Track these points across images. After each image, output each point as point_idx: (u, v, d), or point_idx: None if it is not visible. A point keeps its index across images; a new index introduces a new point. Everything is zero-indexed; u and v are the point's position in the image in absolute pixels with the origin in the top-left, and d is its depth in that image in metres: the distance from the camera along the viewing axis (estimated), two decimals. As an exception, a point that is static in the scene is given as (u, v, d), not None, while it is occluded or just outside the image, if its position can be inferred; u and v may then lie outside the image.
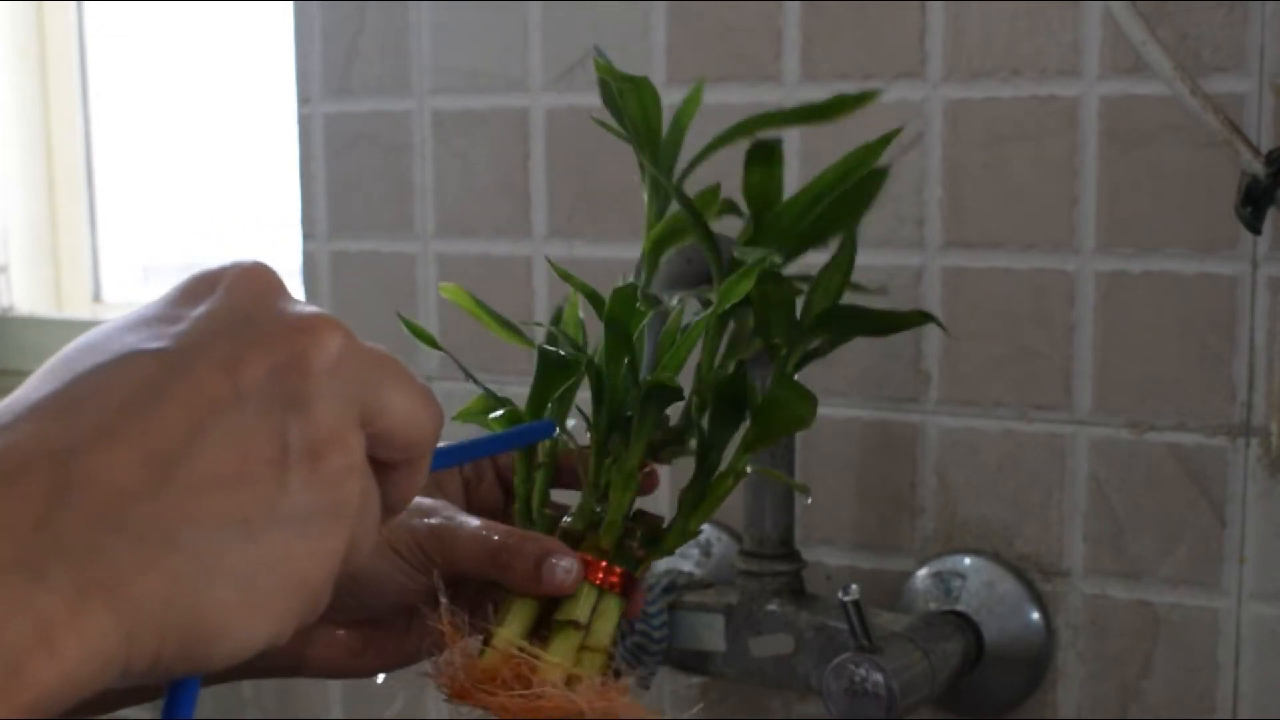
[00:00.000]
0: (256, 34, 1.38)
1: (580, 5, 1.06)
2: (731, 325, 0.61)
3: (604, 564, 0.58)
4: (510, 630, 0.58)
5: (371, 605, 0.62)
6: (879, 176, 0.60)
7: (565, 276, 0.63)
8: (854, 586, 0.87)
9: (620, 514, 0.58)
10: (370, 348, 0.41)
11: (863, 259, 0.98)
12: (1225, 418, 0.91)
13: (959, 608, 0.96)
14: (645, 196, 0.63)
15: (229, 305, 0.39)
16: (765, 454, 0.94)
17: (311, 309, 0.40)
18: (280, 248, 1.28)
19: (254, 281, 0.40)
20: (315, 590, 0.39)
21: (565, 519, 0.60)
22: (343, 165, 1.18)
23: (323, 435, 0.38)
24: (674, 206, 0.61)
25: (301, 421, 0.38)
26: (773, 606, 0.95)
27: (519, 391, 0.64)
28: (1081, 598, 0.95)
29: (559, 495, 0.65)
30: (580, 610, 0.58)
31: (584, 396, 0.62)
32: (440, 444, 0.49)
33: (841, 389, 1.00)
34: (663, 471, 0.64)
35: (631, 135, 0.60)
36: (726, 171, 0.63)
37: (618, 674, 0.59)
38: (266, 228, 1.40)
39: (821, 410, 1.01)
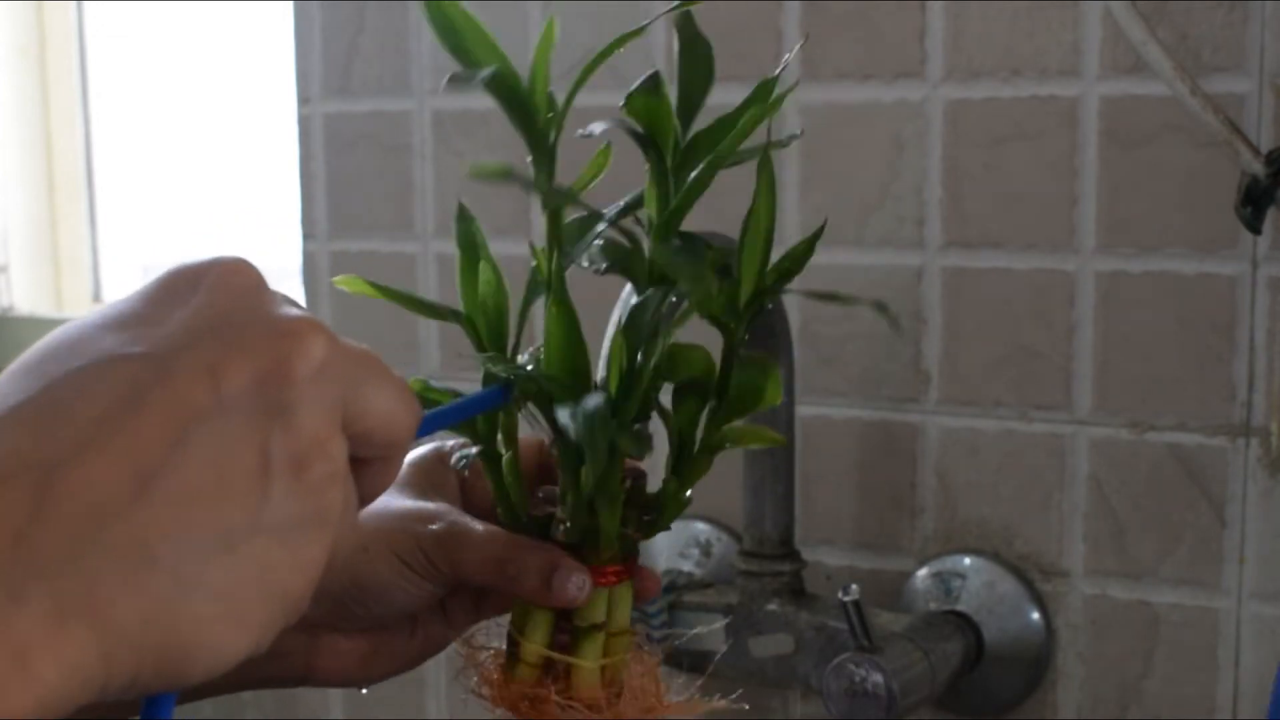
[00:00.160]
0: (256, 34, 1.38)
1: (580, 5, 1.06)
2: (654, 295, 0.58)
3: (608, 569, 0.58)
4: (535, 642, 0.58)
5: (378, 615, 0.61)
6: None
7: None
8: (854, 586, 0.87)
9: (614, 529, 0.58)
10: (352, 348, 0.40)
11: (863, 259, 0.99)
12: (1225, 418, 0.91)
13: (959, 608, 0.96)
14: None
15: (210, 306, 0.38)
16: (765, 453, 0.94)
17: (294, 311, 0.39)
18: (280, 248, 1.28)
19: (236, 280, 0.39)
20: (296, 599, 0.39)
21: (559, 526, 0.59)
22: (343, 165, 1.18)
23: (306, 443, 0.38)
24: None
25: (285, 430, 0.37)
26: (773, 606, 0.95)
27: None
28: (1081, 598, 0.95)
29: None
30: (598, 613, 0.58)
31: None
32: None
33: (841, 389, 1.00)
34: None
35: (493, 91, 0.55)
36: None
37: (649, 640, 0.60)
38: (266, 228, 1.40)
39: (821, 410, 1.02)
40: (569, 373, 0.56)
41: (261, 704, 1.26)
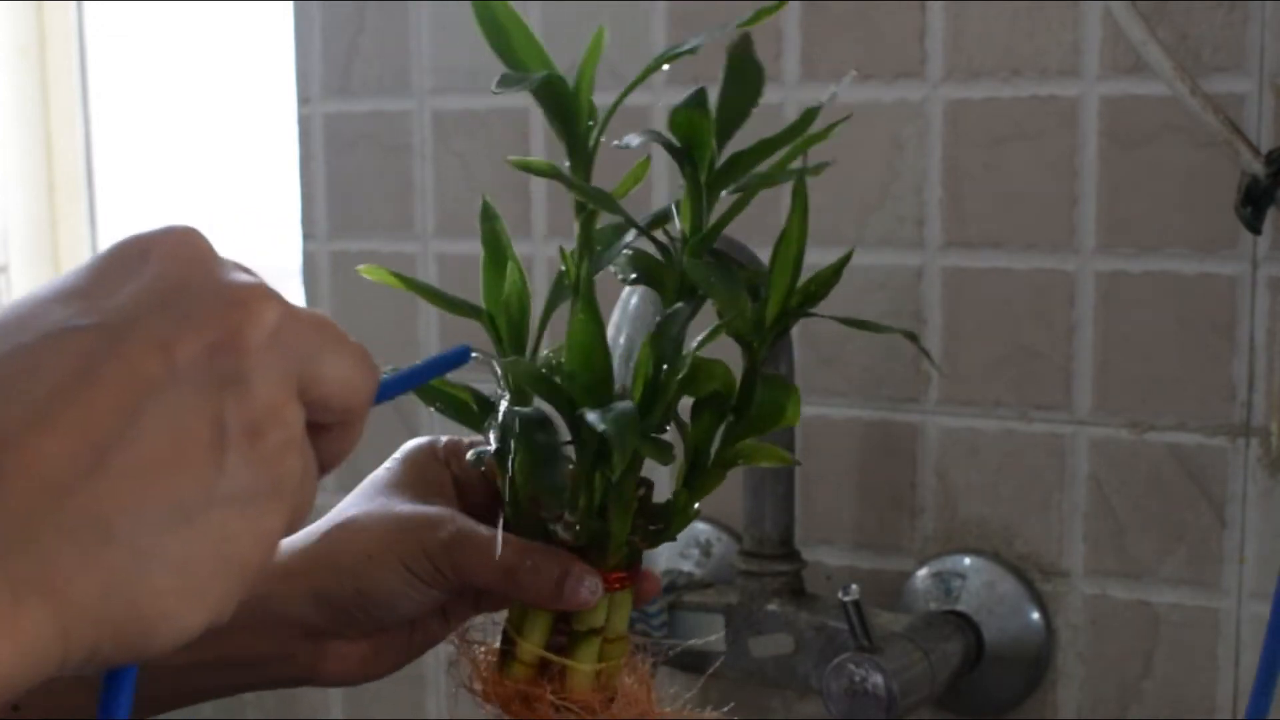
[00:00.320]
0: (256, 34, 1.38)
1: (580, 5, 1.06)
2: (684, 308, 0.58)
3: (614, 575, 0.58)
4: (533, 642, 0.58)
5: (384, 621, 0.62)
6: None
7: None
8: (854, 586, 0.87)
9: (624, 535, 0.58)
10: (306, 314, 0.40)
11: (863, 259, 0.99)
12: (1225, 418, 0.91)
13: (959, 608, 0.96)
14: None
15: (160, 276, 0.38)
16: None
17: (246, 279, 0.39)
18: (280, 248, 1.28)
19: (186, 250, 0.38)
20: (255, 569, 0.38)
21: (565, 528, 0.59)
22: (343, 165, 1.18)
23: (261, 412, 0.37)
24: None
25: (239, 400, 0.37)
26: (773, 606, 0.95)
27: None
28: (1081, 598, 0.95)
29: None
30: (598, 617, 0.58)
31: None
32: None
33: (841, 389, 1.00)
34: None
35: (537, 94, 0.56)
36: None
37: (639, 650, 0.60)
38: (266, 228, 1.40)
39: (821, 410, 1.02)
40: (592, 377, 0.56)
41: (262, 704, 1.26)
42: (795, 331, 0.98)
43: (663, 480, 0.64)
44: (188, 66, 1.46)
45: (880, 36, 0.97)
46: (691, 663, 0.98)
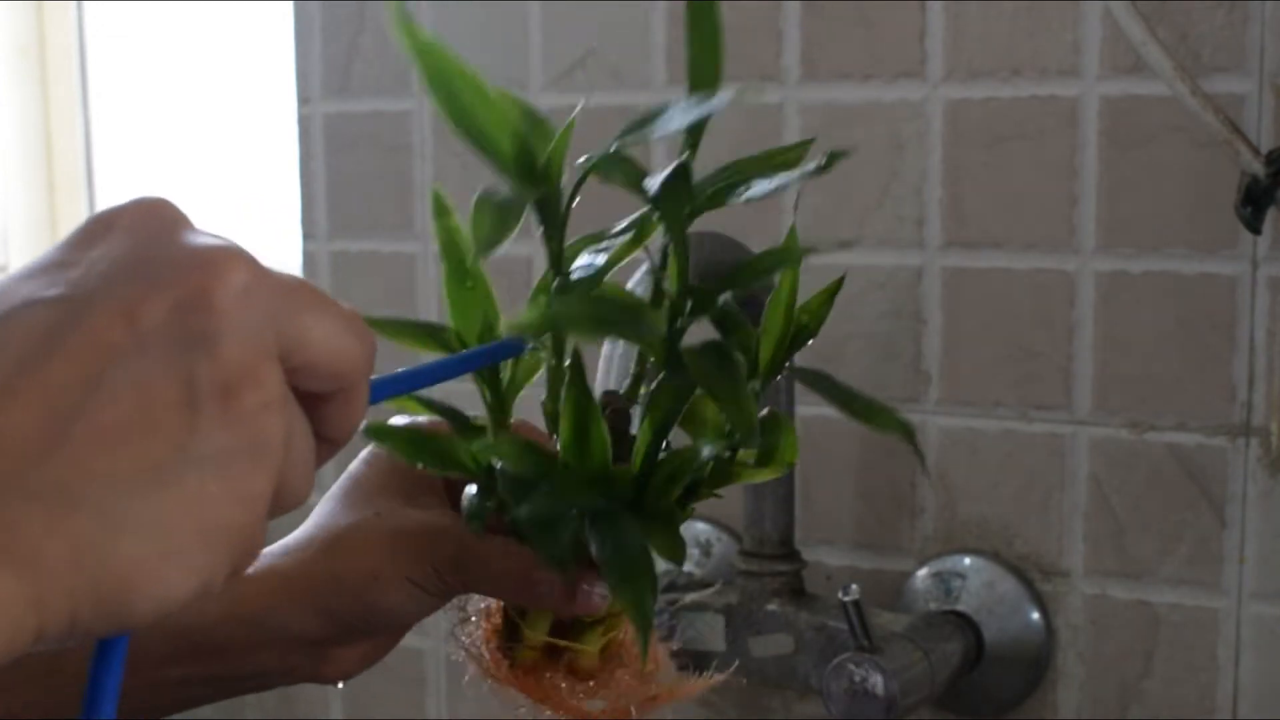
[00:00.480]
0: (256, 34, 1.38)
1: (580, 5, 1.06)
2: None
3: None
4: (539, 631, 0.58)
5: (388, 629, 0.61)
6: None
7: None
8: (854, 586, 0.87)
9: None
10: (283, 276, 0.39)
11: (863, 259, 0.99)
12: (1225, 418, 0.91)
13: (959, 608, 0.96)
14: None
15: (126, 245, 0.37)
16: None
17: (214, 240, 0.38)
18: (280, 248, 1.28)
19: (152, 217, 0.38)
20: (241, 535, 0.37)
21: None
22: (343, 165, 1.18)
23: (233, 372, 0.36)
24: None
25: (208, 360, 0.36)
26: (773, 606, 0.95)
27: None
28: (1081, 598, 0.95)
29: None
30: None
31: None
32: (390, 373, 0.47)
33: (841, 389, 1.00)
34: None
35: (485, 152, 0.51)
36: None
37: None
38: (266, 228, 1.40)
39: (822, 410, 1.01)
40: (589, 467, 0.53)
41: (262, 704, 1.26)
42: (795, 331, 0.98)
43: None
44: (188, 66, 1.46)
45: (880, 36, 0.97)
46: (692, 663, 0.98)
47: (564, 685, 0.57)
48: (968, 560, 0.97)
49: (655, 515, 0.53)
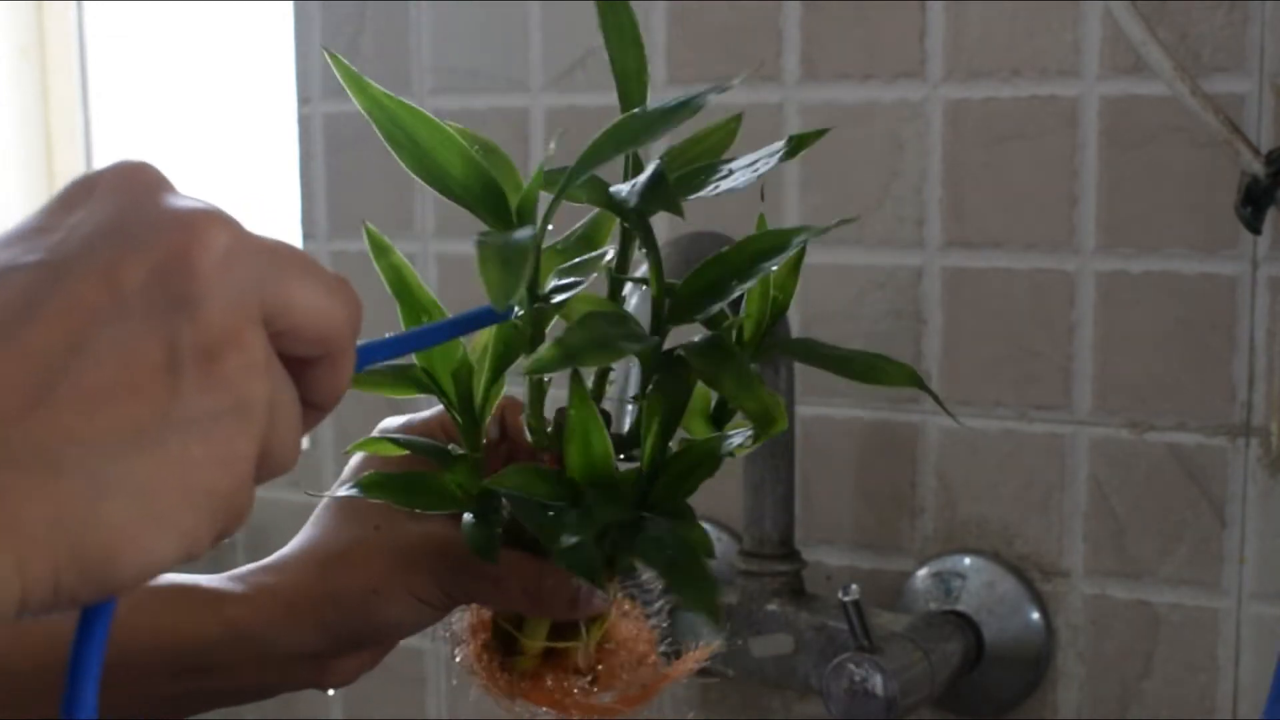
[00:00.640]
0: (256, 34, 1.38)
1: (580, 5, 1.06)
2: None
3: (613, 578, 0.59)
4: (538, 639, 0.58)
5: (390, 640, 0.62)
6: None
7: None
8: (854, 586, 0.87)
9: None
10: (266, 240, 0.38)
11: (863, 259, 0.99)
12: (1225, 418, 0.91)
13: (959, 608, 0.96)
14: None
15: (107, 209, 0.37)
16: (765, 453, 0.94)
17: (195, 203, 0.37)
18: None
19: (133, 180, 0.38)
20: (226, 498, 0.37)
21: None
22: (343, 165, 1.18)
23: (215, 335, 0.36)
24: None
25: (190, 323, 0.36)
26: (773, 606, 0.95)
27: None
28: (1081, 598, 0.95)
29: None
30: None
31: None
32: (374, 339, 0.47)
33: (841, 389, 1.00)
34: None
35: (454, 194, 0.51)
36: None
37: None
38: (266, 228, 1.40)
39: (821, 410, 1.02)
40: (596, 476, 0.53)
41: (261, 704, 1.26)
42: (795, 331, 0.98)
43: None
44: (188, 66, 1.46)
45: (880, 36, 0.97)
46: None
47: (568, 684, 0.57)
48: (968, 560, 0.97)
49: (676, 514, 0.53)
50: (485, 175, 0.50)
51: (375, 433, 0.62)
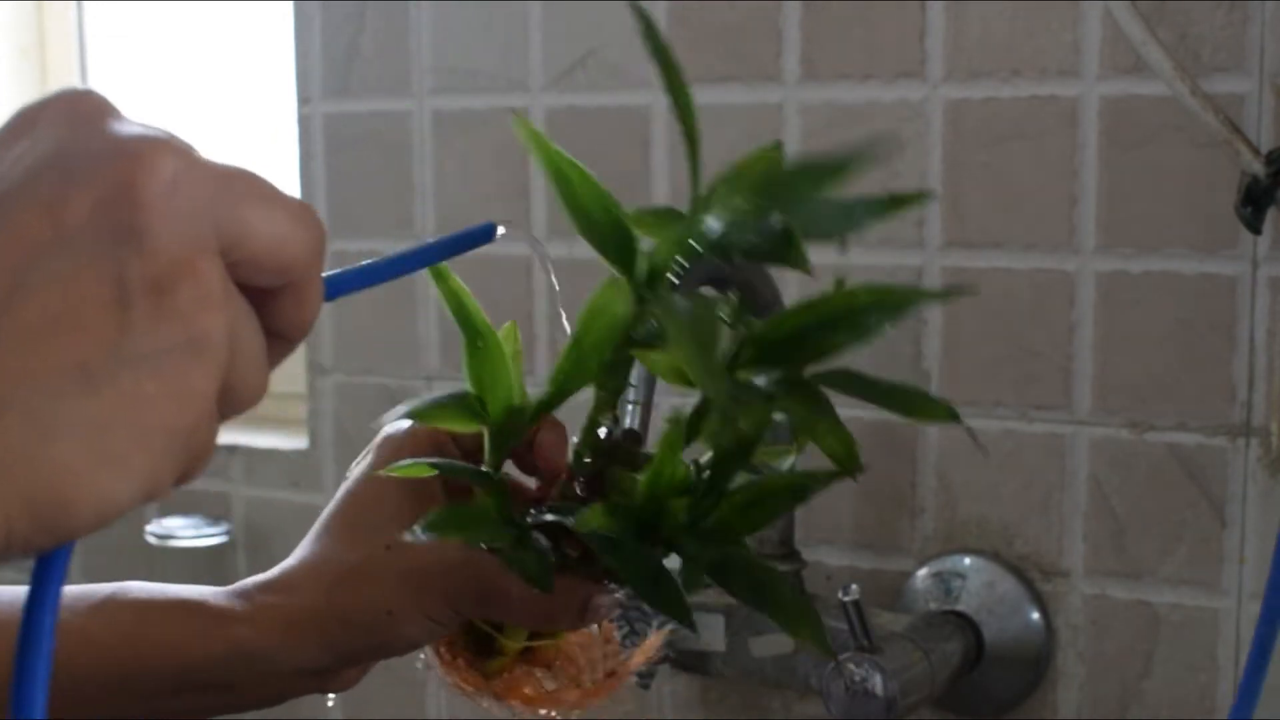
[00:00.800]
0: (256, 34, 1.38)
1: (580, 5, 1.06)
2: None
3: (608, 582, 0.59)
4: (518, 639, 0.58)
5: (395, 655, 0.61)
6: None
7: None
8: (854, 586, 0.87)
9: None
10: (219, 166, 0.37)
11: (862, 259, 0.99)
12: (1225, 418, 0.91)
13: (959, 608, 0.96)
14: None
15: (50, 139, 0.35)
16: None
17: (141, 129, 0.36)
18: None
19: (76, 109, 0.36)
20: (185, 436, 0.35)
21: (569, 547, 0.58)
22: (343, 165, 1.18)
23: (164, 266, 0.34)
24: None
25: (137, 255, 0.34)
26: (773, 606, 0.95)
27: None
28: (1081, 598, 0.95)
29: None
30: None
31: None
32: (359, 265, 0.45)
33: (841, 389, 1.00)
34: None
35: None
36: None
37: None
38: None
39: (821, 410, 1.01)
40: (662, 505, 0.53)
41: (261, 704, 1.26)
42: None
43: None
44: (188, 66, 1.46)
45: (880, 36, 0.97)
46: (692, 663, 0.98)
47: (539, 679, 0.58)
48: (968, 560, 0.97)
49: (730, 542, 0.54)
50: (621, 223, 0.50)
51: (381, 435, 0.62)
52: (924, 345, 0.98)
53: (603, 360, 0.52)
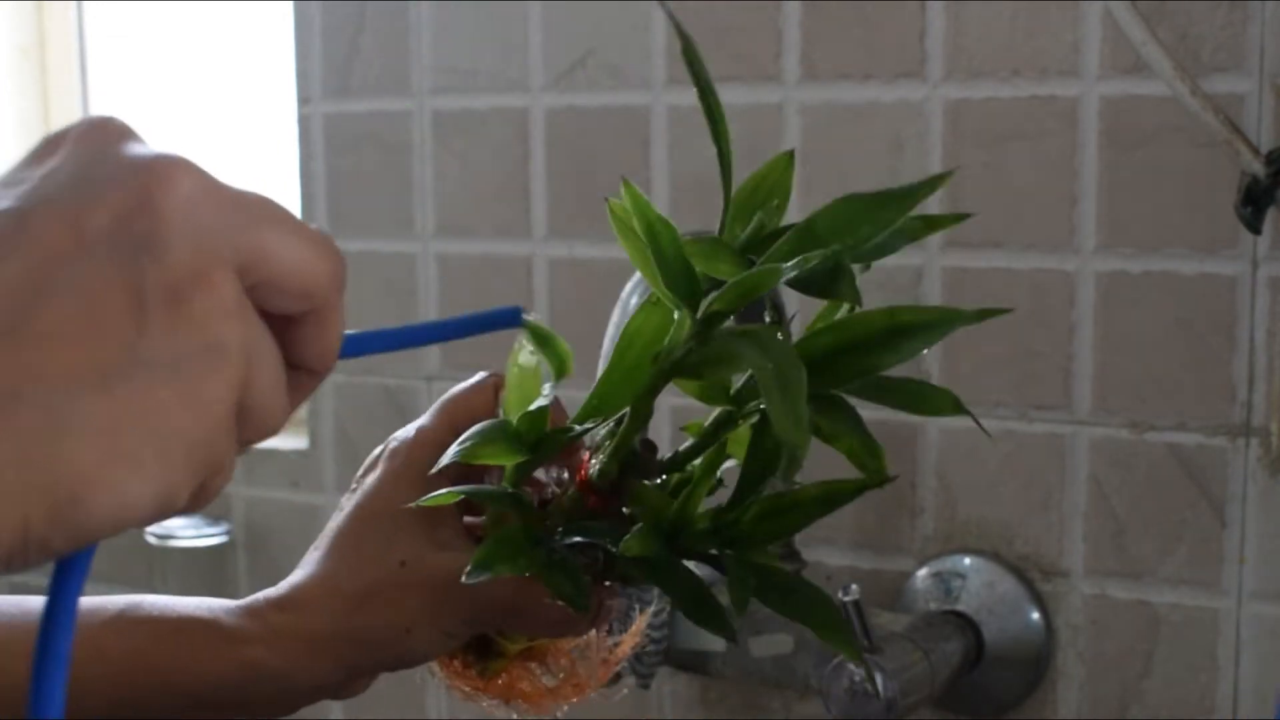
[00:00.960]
0: (256, 34, 1.38)
1: (580, 5, 1.06)
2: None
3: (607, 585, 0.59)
4: (519, 641, 0.59)
5: (408, 667, 0.61)
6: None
7: None
8: (854, 586, 0.87)
9: None
10: (238, 190, 0.38)
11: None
12: (1225, 418, 0.91)
13: (959, 608, 0.96)
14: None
15: (73, 159, 0.37)
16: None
17: (160, 151, 0.37)
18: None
19: (99, 132, 0.38)
20: (201, 445, 0.36)
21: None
22: (343, 165, 1.18)
23: (181, 276, 0.36)
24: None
25: (155, 263, 0.35)
26: (773, 606, 0.95)
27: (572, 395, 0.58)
28: (1081, 598, 0.95)
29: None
30: None
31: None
32: (389, 327, 0.46)
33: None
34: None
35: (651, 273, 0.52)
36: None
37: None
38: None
39: (821, 410, 1.01)
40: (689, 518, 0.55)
41: (261, 704, 1.26)
42: (796, 331, 0.98)
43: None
44: (188, 66, 1.46)
45: (880, 36, 0.97)
46: (692, 663, 0.98)
47: (536, 677, 0.58)
48: (968, 560, 0.97)
49: (755, 550, 0.55)
50: (688, 264, 0.50)
51: (388, 447, 0.62)
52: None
53: (642, 384, 0.52)
